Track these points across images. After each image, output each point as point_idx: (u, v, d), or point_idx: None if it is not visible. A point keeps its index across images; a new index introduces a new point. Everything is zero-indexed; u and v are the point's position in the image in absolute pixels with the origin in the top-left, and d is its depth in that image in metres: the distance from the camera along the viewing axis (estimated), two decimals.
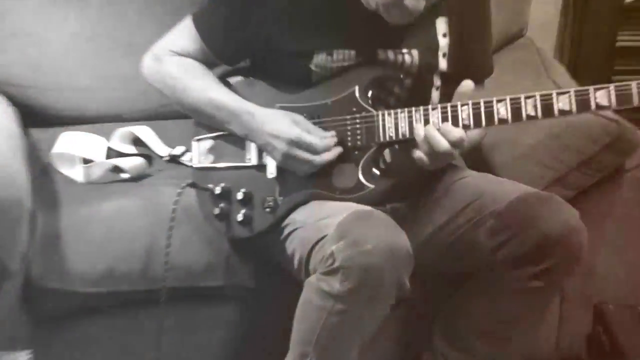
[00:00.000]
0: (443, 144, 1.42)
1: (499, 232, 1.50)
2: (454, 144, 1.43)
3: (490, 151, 1.94)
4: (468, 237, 1.55)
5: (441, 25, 1.56)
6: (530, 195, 1.51)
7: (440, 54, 1.56)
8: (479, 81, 1.60)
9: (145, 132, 1.95)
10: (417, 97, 1.55)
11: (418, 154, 1.46)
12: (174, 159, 1.93)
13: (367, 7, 1.52)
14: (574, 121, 1.86)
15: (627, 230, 1.95)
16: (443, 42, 1.56)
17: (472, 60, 1.61)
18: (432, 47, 1.55)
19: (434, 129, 1.43)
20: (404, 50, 1.53)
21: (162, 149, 1.95)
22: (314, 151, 1.50)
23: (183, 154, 1.92)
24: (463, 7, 1.58)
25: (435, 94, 1.59)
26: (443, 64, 1.56)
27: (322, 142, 1.50)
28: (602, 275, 1.88)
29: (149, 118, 2.02)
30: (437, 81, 1.58)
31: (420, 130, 1.45)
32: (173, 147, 1.95)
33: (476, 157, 1.88)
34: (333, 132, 1.53)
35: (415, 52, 1.54)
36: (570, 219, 1.48)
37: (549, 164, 1.84)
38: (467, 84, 1.49)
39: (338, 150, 1.53)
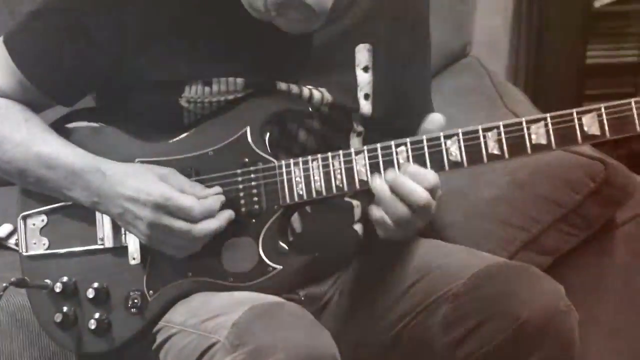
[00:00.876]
0: (419, 194, 1.39)
1: (458, 322, 1.48)
2: (432, 192, 1.40)
3: (436, 208, 1.92)
4: (416, 330, 1.53)
5: (362, 55, 1.56)
6: (497, 268, 1.50)
7: (360, 94, 1.57)
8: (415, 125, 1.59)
9: None
10: (329, 145, 1.53)
11: (378, 214, 1.42)
12: None
13: (253, 14, 1.48)
14: (543, 163, 1.86)
15: (624, 305, 1.95)
16: (363, 79, 1.57)
17: (407, 101, 1.64)
18: (347, 86, 1.56)
19: (402, 175, 1.41)
20: (309, 87, 1.54)
21: None
22: (191, 218, 1.44)
23: (9, 235, 1.90)
24: (394, 29, 1.59)
25: (355, 141, 1.59)
26: (366, 107, 1.57)
27: (202, 203, 1.45)
28: None
29: None
30: (357, 126, 1.59)
31: (377, 181, 1.42)
32: None
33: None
34: (218, 188, 1.49)
35: (324, 90, 1.54)
36: (555, 297, 1.46)
37: (516, 222, 1.85)
38: (438, 119, 1.46)
39: (227, 214, 1.48)
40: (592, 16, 2.84)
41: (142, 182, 1.46)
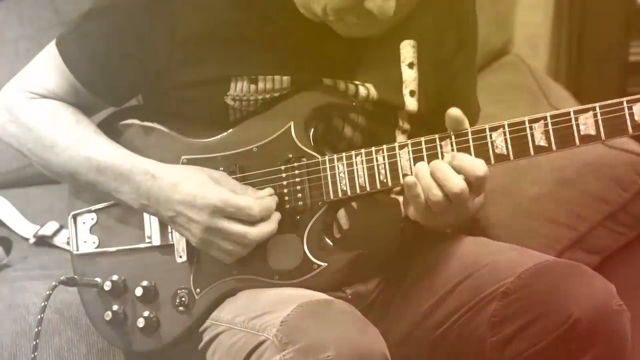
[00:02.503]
0: (455, 182, 1.37)
1: (507, 320, 1.46)
2: (476, 183, 1.38)
3: (483, 206, 1.88)
4: (463, 328, 1.51)
5: (407, 51, 1.55)
6: (547, 266, 1.48)
7: (405, 91, 1.56)
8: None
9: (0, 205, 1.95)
10: (375, 141, 1.51)
11: (414, 192, 1.41)
12: (43, 241, 1.92)
13: (308, 16, 1.47)
14: (591, 160, 1.87)
15: None
16: (409, 76, 1.56)
17: (453, 97, 1.59)
18: (392, 83, 1.55)
19: (444, 163, 1.39)
20: (357, 82, 1.53)
21: (25, 228, 1.94)
22: (251, 218, 1.45)
23: (56, 233, 1.90)
24: (439, 25, 1.57)
25: (401, 138, 1.57)
26: (411, 103, 1.56)
27: (261, 203, 1.46)
28: None
29: (5, 185, 2.02)
30: (403, 123, 1.58)
31: (420, 164, 1.41)
32: (41, 225, 1.94)
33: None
34: (270, 190, 1.50)
35: (370, 87, 1.53)
36: (607, 296, 1.44)
37: (563, 220, 1.86)
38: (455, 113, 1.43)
39: (277, 216, 1.49)
40: (635, 13, 2.81)
41: (196, 185, 1.46)
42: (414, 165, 1.42)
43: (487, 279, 1.50)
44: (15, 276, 1.78)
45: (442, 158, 1.42)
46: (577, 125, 1.35)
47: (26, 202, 1.96)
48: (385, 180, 1.45)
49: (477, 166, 1.38)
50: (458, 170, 1.38)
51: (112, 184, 1.51)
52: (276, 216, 1.48)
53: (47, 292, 1.51)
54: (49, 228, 1.91)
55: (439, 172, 1.39)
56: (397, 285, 1.62)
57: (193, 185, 1.46)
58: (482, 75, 2.37)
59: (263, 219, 1.46)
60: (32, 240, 1.91)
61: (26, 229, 1.92)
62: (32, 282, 1.70)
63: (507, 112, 2.01)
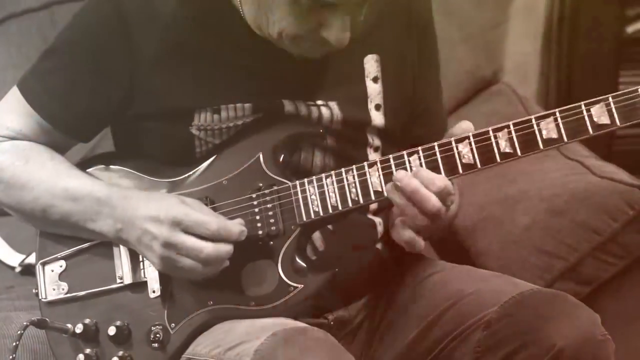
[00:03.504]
0: (432, 204, 1.40)
1: (491, 349, 1.46)
2: (441, 196, 1.41)
3: (471, 234, 1.96)
4: (449, 357, 1.51)
5: (371, 65, 1.56)
6: (532, 295, 1.48)
7: (371, 105, 1.56)
8: (435, 137, 1.59)
9: None
10: (348, 162, 1.51)
11: (395, 212, 1.47)
12: (29, 270, 1.88)
13: (264, 36, 1.48)
14: (581, 190, 1.88)
15: None
16: (374, 90, 1.56)
17: (420, 108, 1.63)
18: (357, 98, 1.56)
19: (410, 176, 1.42)
20: (319, 102, 1.53)
21: (11, 257, 1.94)
22: (207, 235, 1.46)
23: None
24: (400, 38, 1.59)
25: (373, 156, 1.58)
26: (378, 117, 1.57)
27: (219, 222, 1.46)
28: None
29: None
30: (373, 139, 1.58)
31: (388, 187, 1.44)
32: (27, 253, 1.92)
33: (450, 242, 1.92)
34: (240, 220, 1.50)
35: (333, 104, 1.54)
36: (591, 326, 1.43)
37: (553, 250, 1.85)
38: (467, 126, 1.46)
39: (240, 229, 1.47)
40: (624, 42, 2.82)
41: (164, 203, 1.47)
42: (384, 181, 1.44)
43: (471, 308, 1.50)
44: (0, 306, 1.77)
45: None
46: (540, 130, 1.39)
47: (12, 231, 1.96)
48: (356, 198, 1.46)
49: (436, 183, 1.40)
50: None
51: (88, 212, 1.50)
52: (239, 229, 1.46)
53: (19, 332, 1.50)
54: (35, 257, 1.80)
55: (414, 195, 1.40)
56: (382, 311, 1.61)
57: (161, 202, 1.47)
58: (472, 104, 2.46)
59: (222, 238, 1.44)
60: (18, 269, 1.90)
61: (12, 257, 1.92)
62: (17, 312, 1.70)
63: None
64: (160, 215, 1.44)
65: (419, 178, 1.41)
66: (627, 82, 2.84)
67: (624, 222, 1.79)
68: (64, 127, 1.56)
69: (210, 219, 1.44)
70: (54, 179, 1.52)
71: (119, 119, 1.56)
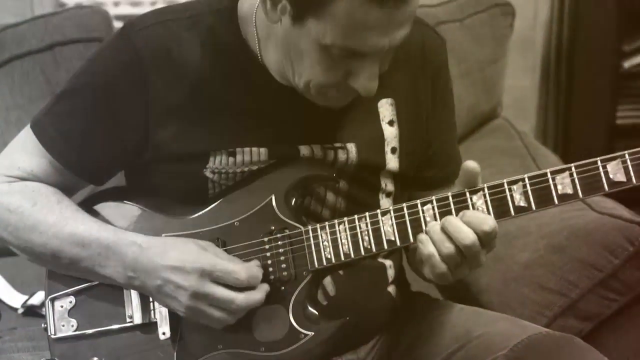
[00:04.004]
0: (465, 234, 1.37)
1: None
2: (485, 238, 1.37)
3: (473, 272, 1.88)
4: None
5: (386, 109, 1.56)
6: (540, 338, 1.46)
7: (387, 148, 1.56)
8: (448, 182, 1.60)
9: None
10: (359, 206, 1.52)
11: (427, 251, 1.40)
12: (32, 311, 1.90)
13: (283, 83, 1.48)
14: (581, 226, 1.86)
15: None
16: (390, 133, 1.56)
17: (434, 151, 1.62)
18: (374, 140, 1.55)
19: (455, 217, 1.39)
20: (337, 145, 1.53)
21: (13, 298, 1.94)
22: (238, 282, 1.44)
23: (44, 303, 1.78)
24: (414, 83, 1.58)
25: (385, 202, 1.58)
26: (393, 162, 1.56)
27: (247, 270, 1.45)
28: None
29: None
30: (386, 184, 1.58)
31: (433, 225, 1.40)
32: (30, 294, 1.93)
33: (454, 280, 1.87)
34: (256, 261, 1.49)
35: (351, 146, 1.53)
36: None
37: (554, 286, 1.84)
38: (473, 165, 1.43)
39: (265, 287, 1.48)
40: (622, 76, 2.84)
41: (185, 252, 1.45)
42: (397, 230, 1.43)
43: (480, 351, 1.49)
44: (3, 348, 1.77)
45: (425, 224, 1.41)
46: (555, 185, 1.38)
47: (15, 272, 1.96)
48: (369, 247, 1.45)
49: (484, 221, 1.37)
50: (467, 225, 1.39)
51: (96, 258, 1.50)
52: (264, 287, 1.46)
53: None
54: (37, 298, 1.90)
55: (450, 225, 1.38)
56: (390, 354, 1.60)
57: (182, 252, 1.45)
58: (472, 140, 2.45)
59: (250, 286, 1.45)
60: (20, 310, 1.91)
61: (15, 298, 1.92)
62: (20, 354, 1.69)
63: (497, 176, 2.00)
64: (186, 265, 1.43)
65: (466, 217, 1.39)
66: (624, 117, 2.88)
67: (625, 258, 1.77)
68: (77, 170, 1.55)
69: (238, 268, 1.44)
70: (61, 223, 1.51)
71: (133, 161, 1.55)
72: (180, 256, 1.44)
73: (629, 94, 2.87)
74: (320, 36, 1.33)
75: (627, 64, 2.84)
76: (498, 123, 2.51)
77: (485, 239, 1.37)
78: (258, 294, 1.44)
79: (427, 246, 1.39)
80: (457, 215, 1.40)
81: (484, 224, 1.36)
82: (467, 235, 1.36)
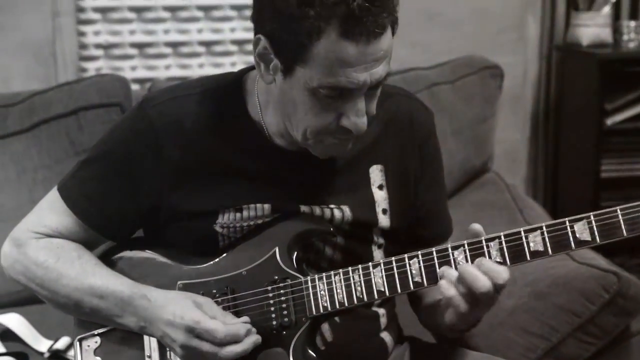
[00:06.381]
0: (482, 282, 1.39)
1: None
2: (498, 286, 1.41)
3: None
4: None
5: (376, 175, 1.60)
6: None
7: (378, 209, 1.59)
8: (441, 240, 1.62)
9: (16, 321, 1.94)
10: (354, 257, 1.55)
11: (451, 292, 1.42)
12: (58, 355, 1.90)
13: (286, 145, 1.53)
14: (562, 275, 1.89)
15: None
16: (380, 196, 1.59)
17: (423, 213, 1.65)
18: (366, 203, 1.58)
19: (473, 266, 1.42)
20: (332, 206, 1.56)
21: (40, 343, 1.93)
22: (217, 340, 1.46)
23: (69, 347, 1.89)
24: (403, 151, 1.61)
25: (377, 253, 1.60)
26: (384, 220, 1.59)
27: (228, 328, 1.47)
28: None
29: (19, 303, 2.02)
30: (378, 238, 1.60)
31: (449, 272, 1.43)
32: (55, 339, 1.93)
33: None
34: (246, 318, 1.51)
35: (346, 208, 1.56)
36: None
37: (536, 331, 1.87)
38: (478, 228, 1.46)
39: (253, 339, 1.49)
40: (605, 133, 2.87)
41: (179, 307, 1.49)
42: (386, 282, 1.46)
43: None
44: None
45: (412, 276, 1.45)
46: (528, 243, 1.41)
47: (40, 318, 1.94)
48: (361, 297, 1.49)
49: (500, 273, 1.40)
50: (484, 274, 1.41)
51: (114, 309, 1.53)
52: (252, 338, 1.48)
53: None
54: (62, 342, 1.91)
55: (467, 274, 1.40)
56: None
57: (176, 307, 1.49)
58: (463, 194, 2.45)
59: (231, 342, 1.46)
60: (46, 354, 1.91)
61: (41, 343, 1.92)
62: None
63: (486, 229, 2.01)
64: (176, 321, 1.47)
65: (484, 267, 1.40)
66: (609, 170, 2.88)
67: (601, 305, 1.80)
68: (99, 228, 1.59)
69: (217, 327, 1.45)
70: (81, 276, 1.54)
71: (150, 220, 1.59)
72: (174, 311, 1.48)
73: (611, 149, 2.89)
74: (308, 80, 1.38)
75: (609, 121, 2.88)
76: (488, 177, 2.52)
77: (498, 287, 1.40)
78: (242, 347, 1.46)
79: (450, 290, 1.41)
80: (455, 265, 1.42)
81: (497, 276, 1.39)
82: (484, 284, 1.39)
